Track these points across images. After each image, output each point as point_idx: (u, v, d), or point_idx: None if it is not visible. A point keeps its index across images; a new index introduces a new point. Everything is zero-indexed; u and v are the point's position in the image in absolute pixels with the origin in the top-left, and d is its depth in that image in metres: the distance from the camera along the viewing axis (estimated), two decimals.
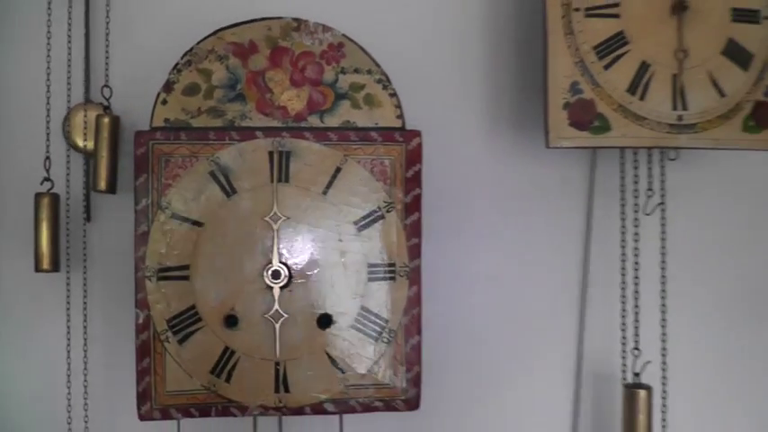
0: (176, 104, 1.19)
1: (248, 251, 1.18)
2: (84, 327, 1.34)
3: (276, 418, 1.27)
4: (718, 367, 1.49)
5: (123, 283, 1.32)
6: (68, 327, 1.33)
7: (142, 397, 1.17)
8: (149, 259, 1.17)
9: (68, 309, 1.34)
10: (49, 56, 1.34)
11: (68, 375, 1.33)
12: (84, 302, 1.34)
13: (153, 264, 1.17)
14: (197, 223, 1.17)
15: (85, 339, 1.34)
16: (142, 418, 1.17)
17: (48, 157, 1.33)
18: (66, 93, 1.35)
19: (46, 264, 1.30)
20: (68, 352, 1.33)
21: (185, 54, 1.20)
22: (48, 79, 1.34)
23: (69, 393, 1.34)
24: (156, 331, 1.17)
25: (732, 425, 1.50)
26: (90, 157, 1.36)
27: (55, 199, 1.32)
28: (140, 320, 1.17)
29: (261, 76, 1.21)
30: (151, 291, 1.17)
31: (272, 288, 1.17)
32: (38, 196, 1.31)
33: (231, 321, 1.18)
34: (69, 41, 1.35)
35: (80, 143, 1.36)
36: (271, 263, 1.17)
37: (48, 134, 1.34)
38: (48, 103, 1.34)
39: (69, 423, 1.33)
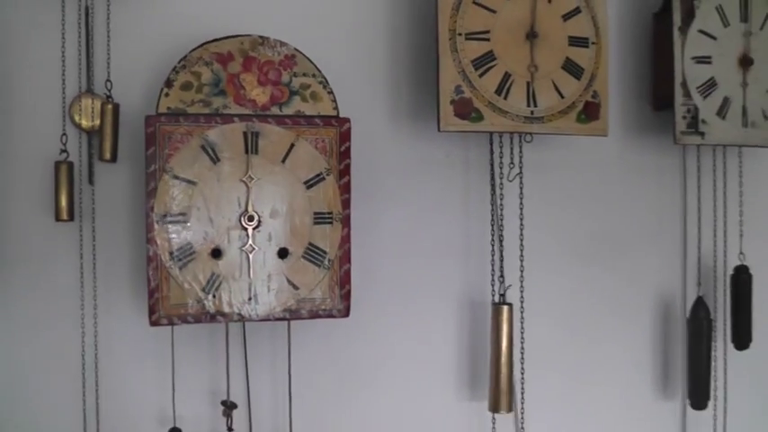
0: (176, 97, 1.67)
1: (229, 203, 1.67)
2: (94, 263, 1.80)
3: (241, 323, 1.78)
4: (564, 292, 2.10)
5: (123, 229, 1.80)
6: (81, 263, 1.79)
7: (152, 309, 1.65)
8: (157, 208, 1.65)
9: (81, 249, 1.79)
10: (63, 56, 1.79)
11: (82, 300, 1.79)
12: (93, 244, 1.80)
13: (160, 211, 1.65)
14: (191, 182, 1.66)
15: (94, 273, 1.80)
16: (152, 324, 1.65)
17: (64, 134, 1.78)
18: (78, 84, 1.80)
19: (64, 215, 1.75)
20: (81, 282, 1.79)
21: (181, 60, 1.68)
22: (63, 74, 1.78)
23: (83, 314, 1.80)
24: (161, 260, 1.65)
25: (574, 332, 2.12)
26: (91, 134, 1.82)
27: (70, 166, 1.77)
28: (150, 253, 1.65)
29: (236, 77, 1.71)
30: (158, 231, 1.65)
31: (246, 229, 1.68)
32: (57, 164, 1.75)
33: (216, 253, 1.68)
34: (80, 46, 1.80)
35: (85, 124, 1.81)
36: (246, 211, 1.68)
37: (63, 117, 1.79)
38: (63, 93, 1.79)
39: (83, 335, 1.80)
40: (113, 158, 1.78)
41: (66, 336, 1.79)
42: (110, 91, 1.80)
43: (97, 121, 1.79)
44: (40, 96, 1.79)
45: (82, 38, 1.81)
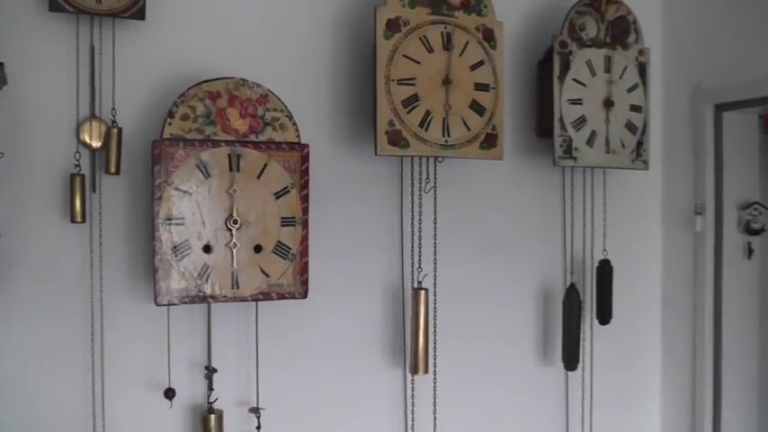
0: (176, 125, 2.19)
1: (217, 209, 2.21)
2: (101, 257, 2.29)
3: (224, 303, 2.32)
4: (468, 280, 2.73)
5: (124, 228, 2.31)
6: (91, 256, 2.28)
7: (158, 292, 2.16)
8: (161, 213, 2.16)
9: (91, 245, 2.28)
10: (77, 87, 2.28)
11: (91, 286, 2.28)
12: (100, 241, 2.29)
13: (163, 215, 2.16)
14: (188, 193, 2.18)
15: (101, 264, 2.29)
16: (158, 304, 2.16)
17: (78, 151, 2.26)
18: (86, 110, 2.29)
19: (78, 218, 2.24)
20: (91, 272, 2.28)
21: (180, 96, 2.20)
22: (77, 102, 2.27)
23: (92, 298, 2.29)
24: (164, 253, 2.17)
25: (476, 311, 2.75)
26: (96, 151, 2.31)
27: (82, 177, 2.26)
28: (156, 248, 2.16)
29: (223, 111, 2.24)
30: (162, 231, 2.17)
31: (231, 230, 2.22)
32: (72, 176, 2.23)
33: (207, 249, 2.21)
34: (90, 79, 2.29)
35: (92, 143, 2.30)
36: (231, 216, 2.21)
37: (76, 136, 2.27)
38: (77, 118, 2.27)
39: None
40: (117, 172, 2.28)
41: (78, 315, 2.28)
42: (114, 117, 2.30)
43: (101, 142, 2.29)
44: (54, 119, 2.26)
45: (89, 72, 2.30)
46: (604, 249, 2.90)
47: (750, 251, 3.08)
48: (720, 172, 3.00)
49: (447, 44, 2.46)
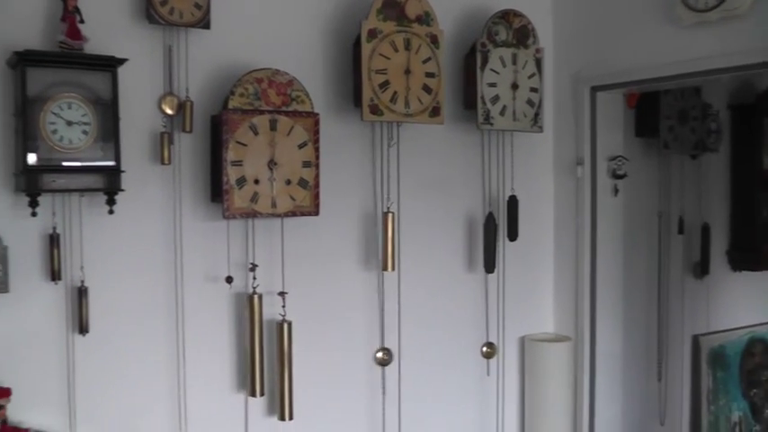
0: (236, 100, 3.59)
1: (262, 155, 3.61)
2: (180, 188, 3.68)
3: (265, 219, 3.76)
4: (417, 209, 4.25)
5: (196, 168, 3.71)
6: (173, 187, 3.67)
7: (226, 209, 3.57)
8: (228, 157, 3.56)
9: (173, 179, 3.67)
10: (164, 74, 3.66)
11: (173, 208, 3.67)
12: (180, 177, 3.68)
13: (229, 159, 3.57)
14: (244, 144, 3.59)
15: (180, 193, 3.68)
16: (225, 218, 3.57)
17: (164, 116, 3.64)
18: (163, 88, 3.68)
19: (166, 161, 3.61)
20: (173, 198, 3.67)
21: (238, 81, 3.61)
22: (162, 83, 3.65)
23: (174, 215, 3.68)
24: (230, 184, 3.58)
25: (421, 232, 4.28)
26: (172, 117, 3.69)
27: (170, 134, 3.65)
28: (225, 180, 3.56)
29: (265, 90, 3.66)
30: (228, 170, 3.57)
31: (272, 169, 3.64)
32: (161, 134, 3.62)
33: (256, 182, 3.61)
34: (169, 66, 3.68)
35: (169, 111, 3.68)
36: (272, 160, 3.64)
37: (158, 106, 3.65)
38: (162, 94, 3.65)
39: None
40: (190, 131, 3.68)
41: (164, 228, 3.67)
42: (188, 93, 3.69)
43: (174, 110, 3.66)
44: (145, 95, 3.63)
45: (167, 64, 3.69)
46: (512, 188, 4.46)
47: (616, 191, 4.68)
48: (595, 134, 4.58)
49: (407, 46, 3.94)
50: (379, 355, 4.18)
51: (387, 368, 4.17)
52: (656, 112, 4.96)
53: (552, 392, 4.58)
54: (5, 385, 3.21)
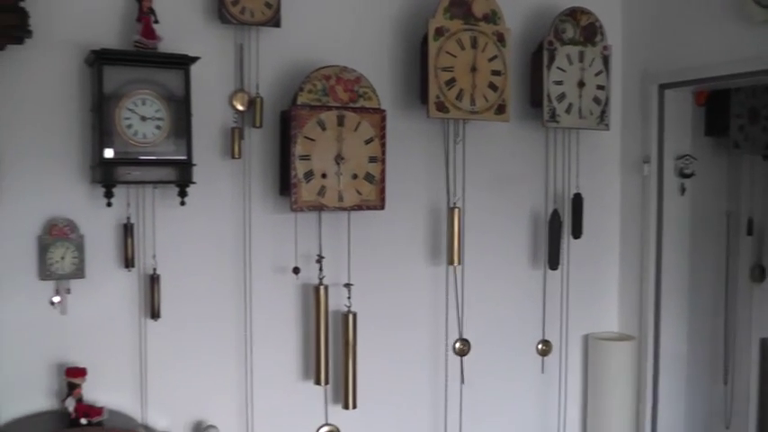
0: (305, 96, 3.70)
1: (330, 150, 3.71)
2: (250, 181, 3.81)
3: (331, 212, 3.87)
4: (484, 202, 4.31)
5: (264, 162, 3.83)
6: (243, 180, 3.80)
7: (294, 202, 3.68)
8: (296, 152, 3.68)
9: (243, 173, 3.80)
10: (236, 71, 3.79)
11: (243, 199, 3.80)
12: (250, 171, 3.81)
13: (297, 154, 3.68)
14: (312, 139, 3.70)
15: (250, 186, 3.81)
16: (293, 210, 3.68)
17: (235, 112, 3.77)
18: (234, 85, 3.80)
19: (236, 155, 3.74)
20: (243, 191, 3.80)
21: (306, 77, 3.71)
22: (234, 80, 3.78)
23: (243, 206, 3.81)
24: (298, 177, 3.69)
25: (489, 225, 4.34)
26: (242, 113, 3.81)
27: (240, 129, 3.77)
28: (293, 174, 3.67)
29: (333, 87, 3.76)
30: (296, 164, 3.69)
31: (339, 164, 3.75)
32: (232, 129, 3.74)
33: (324, 176, 3.72)
34: (240, 64, 3.80)
35: (239, 107, 3.81)
36: (339, 155, 3.74)
37: (229, 102, 3.78)
38: (233, 91, 3.78)
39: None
40: (260, 126, 3.80)
41: (234, 218, 3.81)
42: (258, 89, 3.81)
43: (245, 106, 3.78)
44: (216, 91, 3.77)
45: (239, 61, 3.82)
46: (577, 186, 4.48)
47: (683, 189, 4.67)
48: (662, 132, 4.58)
49: (474, 44, 4.00)
50: (458, 345, 4.26)
51: (449, 361, 4.23)
52: (727, 110, 4.91)
53: (615, 391, 4.60)
54: (81, 365, 3.38)
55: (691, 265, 4.76)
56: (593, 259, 4.71)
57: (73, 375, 3.35)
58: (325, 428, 3.96)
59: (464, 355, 4.25)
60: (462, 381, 4.26)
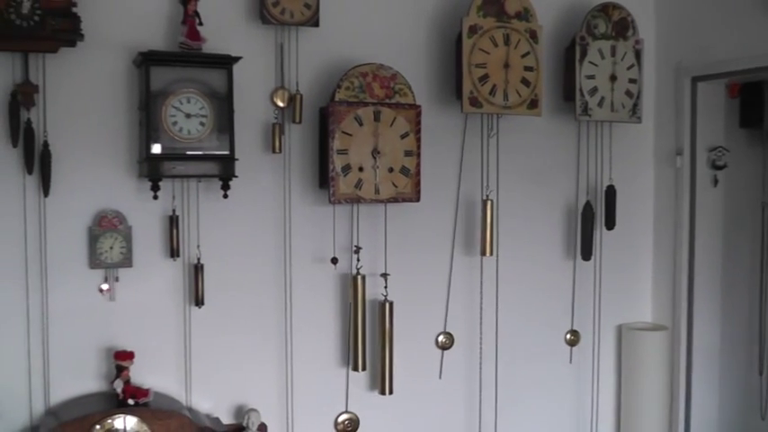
0: (342, 93, 3.85)
1: (367, 144, 3.86)
2: (290, 175, 3.97)
3: (368, 204, 4.02)
4: (518, 194, 4.44)
5: (304, 157, 3.99)
6: (283, 174, 3.97)
7: (333, 194, 3.84)
8: (334, 147, 3.83)
9: (283, 167, 3.97)
10: (276, 70, 3.95)
11: (283, 193, 3.96)
12: (289, 165, 3.97)
13: (335, 148, 3.83)
14: (349, 134, 3.84)
15: (290, 180, 3.98)
16: (331, 202, 3.84)
17: (276, 108, 3.93)
18: (275, 83, 3.97)
19: (278, 150, 3.90)
20: (283, 185, 3.97)
21: (344, 75, 3.86)
22: (274, 78, 3.95)
23: (284, 198, 3.98)
24: (336, 171, 3.84)
25: (523, 218, 4.47)
26: (283, 109, 3.98)
27: (281, 125, 3.93)
28: (331, 168, 3.83)
29: (370, 84, 3.90)
30: (334, 158, 3.83)
31: (375, 158, 3.90)
32: (273, 124, 3.91)
33: (360, 170, 3.87)
34: (280, 63, 3.96)
35: (280, 104, 3.97)
36: (375, 149, 3.88)
37: (270, 99, 3.94)
38: (274, 88, 3.95)
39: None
40: (300, 122, 3.96)
41: (274, 211, 3.98)
42: (298, 86, 3.97)
43: (285, 103, 3.95)
44: (258, 88, 3.94)
45: (279, 60, 3.98)
46: (610, 178, 4.58)
47: (716, 181, 4.74)
48: (695, 125, 4.66)
49: (506, 41, 4.13)
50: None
51: (483, 351, 4.37)
52: (761, 102, 4.96)
53: (648, 381, 4.70)
54: (129, 349, 3.59)
55: (724, 255, 4.84)
56: (627, 250, 4.81)
57: (121, 358, 3.55)
58: (345, 416, 4.15)
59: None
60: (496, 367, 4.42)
